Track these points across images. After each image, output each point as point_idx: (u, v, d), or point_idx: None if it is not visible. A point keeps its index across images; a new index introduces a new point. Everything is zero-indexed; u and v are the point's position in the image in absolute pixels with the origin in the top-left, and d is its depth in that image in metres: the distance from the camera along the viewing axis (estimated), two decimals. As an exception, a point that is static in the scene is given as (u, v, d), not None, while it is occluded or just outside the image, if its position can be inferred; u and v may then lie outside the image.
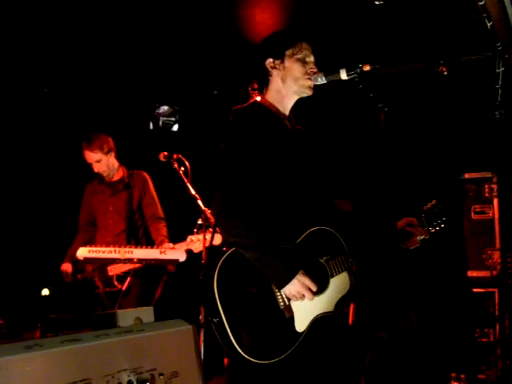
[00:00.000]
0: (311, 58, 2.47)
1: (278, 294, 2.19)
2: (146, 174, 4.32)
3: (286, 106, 2.50)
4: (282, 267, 2.16)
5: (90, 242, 4.15)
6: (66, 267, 4.07)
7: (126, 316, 1.49)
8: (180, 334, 1.46)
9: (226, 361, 2.33)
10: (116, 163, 4.25)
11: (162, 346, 1.39)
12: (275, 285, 2.18)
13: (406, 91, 4.28)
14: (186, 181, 3.67)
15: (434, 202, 2.60)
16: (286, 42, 2.47)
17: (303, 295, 2.18)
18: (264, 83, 2.50)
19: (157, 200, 4.27)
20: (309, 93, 2.46)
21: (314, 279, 2.21)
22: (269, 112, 2.44)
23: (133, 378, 1.28)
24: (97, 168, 4.16)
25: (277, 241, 2.23)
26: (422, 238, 2.51)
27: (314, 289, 2.20)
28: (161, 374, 1.35)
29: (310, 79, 2.42)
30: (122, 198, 4.17)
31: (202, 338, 3.22)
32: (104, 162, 4.15)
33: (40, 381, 1.12)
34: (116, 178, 4.26)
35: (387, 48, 4.10)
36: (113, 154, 4.21)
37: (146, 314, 1.55)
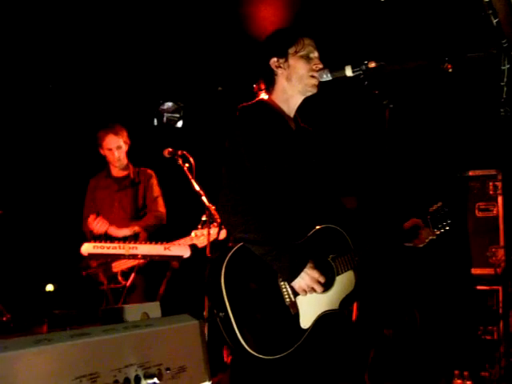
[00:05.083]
0: (315, 54, 2.44)
1: (284, 290, 2.19)
2: (151, 172, 4.32)
3: (291, 106, 2.49)
4: (291, 261, 2.16)
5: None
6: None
7: (133, 311, 1.49)
8: (187, 328, 1.46)
9: (227, 357, 2.33)
10: (126, 159, 4.27)
11: (170, 340, 1.39)
12: (284, 279, 2.18)
13: (411, 88, 4.28)
14: (190, 177, 3.67)
15: (439, 204, 2.58)
16: (287, 39, 2.44)
17: (312, 288, 2.18)
18: (270, 83, 2.47)
19: (160, 198, 4.27)
20: (313, 91, 2.44)
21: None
22: (274, 111, 2.43)
23: (140, 373, 1.28)
24: (118, 154, 4.16)
25: (283, 239, 2.23)
26: (429, 238, 2.50)
27: (323, 281, 2.20)
28: (168, 369, 1.35)
29: (314, 77, 2.40)
30: (128, 194, 4.17)
31: (206, 333, 3.22)
32: (123, 150, 4.18)
33: (49, 375, 1.12)
34: (123, 173, 4.27)
35: (392, 45, 4.10)
36: (126, 148, 4.23)
37: (153, 309, 1.55)
